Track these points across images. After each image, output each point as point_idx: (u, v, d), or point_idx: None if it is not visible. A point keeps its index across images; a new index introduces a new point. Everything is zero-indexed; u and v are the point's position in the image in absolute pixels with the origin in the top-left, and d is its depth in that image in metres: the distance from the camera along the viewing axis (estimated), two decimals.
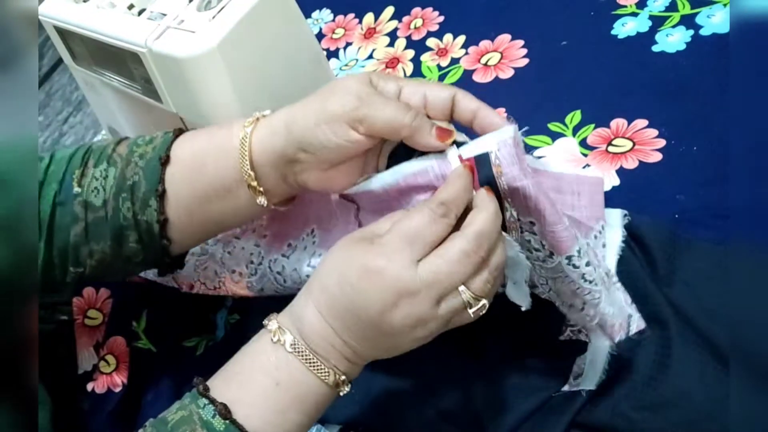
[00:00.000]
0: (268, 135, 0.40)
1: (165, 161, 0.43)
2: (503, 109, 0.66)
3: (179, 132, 0.45)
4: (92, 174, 0.44)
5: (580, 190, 0.47)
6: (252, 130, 0.41)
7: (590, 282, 0.40)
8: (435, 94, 0.39)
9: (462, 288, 0.35)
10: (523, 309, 0.43)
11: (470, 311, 0.36)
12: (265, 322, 0.38)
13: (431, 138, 0.37)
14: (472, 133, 0.40)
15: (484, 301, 0.36)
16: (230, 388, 0.37)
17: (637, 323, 0.43)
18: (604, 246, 0.48)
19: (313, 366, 0.36)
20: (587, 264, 0.40)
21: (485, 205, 0.36)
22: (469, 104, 0.40)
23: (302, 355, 0.36)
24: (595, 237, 0.48)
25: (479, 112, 0.39)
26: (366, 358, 0.38)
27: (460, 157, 0.37)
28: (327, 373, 0.36)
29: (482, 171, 0.37)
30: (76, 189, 0.44)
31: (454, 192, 0.36)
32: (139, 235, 0.44)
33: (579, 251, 0.39)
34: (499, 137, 0.36)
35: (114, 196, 0.44)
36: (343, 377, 0.37)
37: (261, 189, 0.41)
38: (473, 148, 0.37)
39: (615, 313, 0.42)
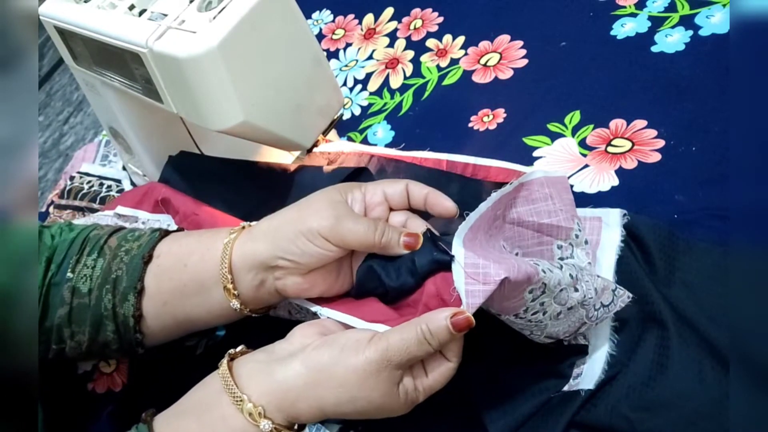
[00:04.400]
0: (249, 241, 0.44)
1: (147, 260, 0.47)
2: (503, 110, 0.66)
3: (165, 233, 0.49)
4: (84, 262, 0.48)
5: (551, 192, 0.47)
6: (236, 236, 0.44)
7: (536, 323, 0.42)
8: (391, 189, 0.45)
9: None
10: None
11: None
12: (248, 414, 0.38)
13: (400, 249, 0.42)
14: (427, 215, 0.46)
15: None
16: None
17: (589, 328, 0.45)
18: (586, 243, 0.48)
19: None
20: (534, 313, 0.41)
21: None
22: (420, 191, 0.45)
23: None
24: (576, 236, 0.48)
25: (428, 197, 0.45)
26: None
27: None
28: None
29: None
30: (69, 274, 0.47)
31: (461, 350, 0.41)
32: (116, 326, 0.47)
33: (526, 309, 0.41)
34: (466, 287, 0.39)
35: (98, 286, 0.47)
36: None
37: (235, 292, 0.44)
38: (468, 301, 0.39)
39: (562, 329, 0.44)
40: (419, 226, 0.45)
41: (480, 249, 0.40)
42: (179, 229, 0.53)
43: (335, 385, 0.38)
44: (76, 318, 0.47)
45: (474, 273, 0.38)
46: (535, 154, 0.61)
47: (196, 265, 0.45)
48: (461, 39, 0.76)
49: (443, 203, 0.45)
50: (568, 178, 0.54)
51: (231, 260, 0.44)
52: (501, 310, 0.41)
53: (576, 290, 0.42)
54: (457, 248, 0.39)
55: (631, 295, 0.45)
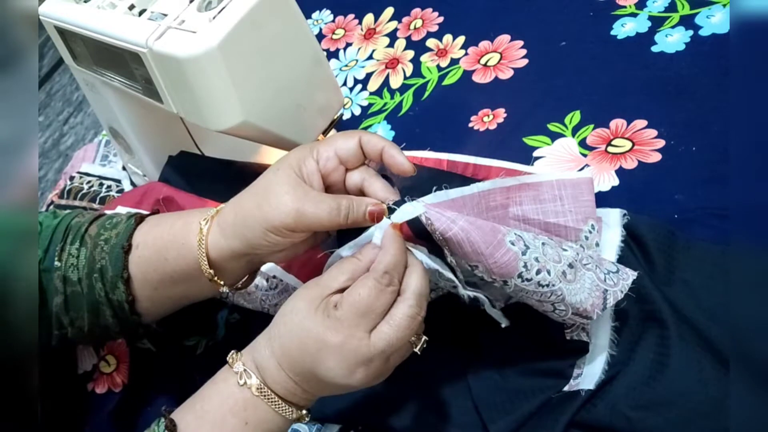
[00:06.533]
0: (222, 239, 0.44)
1: (127, 250, 0.47)
2: (503, 110, 0.67)
3: (140, 219, 0.49)
4: (68, 251, 0.48)
5: (562, 194, 0.47)
6: (208, 230, 0.44)
7: (547, 285, 0.41)
8: (345, 148, 0.44)
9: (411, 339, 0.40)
10: (502, 326, 0.45)
11: (416, 350, 0.41)
12: (230, 360, 0.42)
13: (366, 222, 0.42)
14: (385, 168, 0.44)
15: (424, 337, 0.41)
16: (203, 428, 0.40)
17: (613, 295, 0.43)
18: (597, 245, 0.48)
19: (278, 407, 0.40)
20: (538, 272, 0.41)
21: (414, 263, 0.40)
22: (376, 144, 0.43)
23: (267, 398, 0.40)
24: (586, 238, 0.48)
25: (384, 151, 0.43)
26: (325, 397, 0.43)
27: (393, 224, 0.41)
28: (291, 412, 0.40)
29: (417, 231, 0.40)
30: (57, 263, 0.47)
31: (392, 259, 0.39)
32: (113, 310, 0.48)
33: (525, 264, 0.40)
34: (417, 205, 0.41)
35: (87, 275, 0.47)
36: (304, 411, 0.42)
37: (221, 282, 0.46)
38: (402, 215, 0.41)
39: (585, 298, 0.43)
40: (379, 188, 0.43)
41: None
42: (155, 211, 0.53)
43: (277, 320, 0.41)
44: (73, 305, 0.48)
45: (432, 206, 0.40)
46: (536, 154, 0.61)
47: (177, 260, 0.46)
48: (461, 39, 0.76)
49: (398, 159, 0.43)
50: None
51: (209, 258, 0.44)
52: (500, 271, 0.40)
53: (564, 249, 0.42)
54: (418, 205, 0.40)
55: (635, 273, 0.45)
